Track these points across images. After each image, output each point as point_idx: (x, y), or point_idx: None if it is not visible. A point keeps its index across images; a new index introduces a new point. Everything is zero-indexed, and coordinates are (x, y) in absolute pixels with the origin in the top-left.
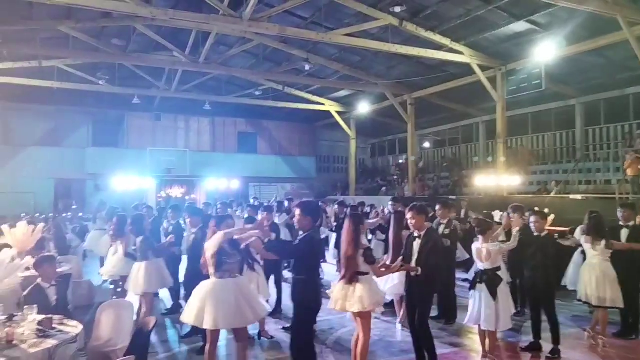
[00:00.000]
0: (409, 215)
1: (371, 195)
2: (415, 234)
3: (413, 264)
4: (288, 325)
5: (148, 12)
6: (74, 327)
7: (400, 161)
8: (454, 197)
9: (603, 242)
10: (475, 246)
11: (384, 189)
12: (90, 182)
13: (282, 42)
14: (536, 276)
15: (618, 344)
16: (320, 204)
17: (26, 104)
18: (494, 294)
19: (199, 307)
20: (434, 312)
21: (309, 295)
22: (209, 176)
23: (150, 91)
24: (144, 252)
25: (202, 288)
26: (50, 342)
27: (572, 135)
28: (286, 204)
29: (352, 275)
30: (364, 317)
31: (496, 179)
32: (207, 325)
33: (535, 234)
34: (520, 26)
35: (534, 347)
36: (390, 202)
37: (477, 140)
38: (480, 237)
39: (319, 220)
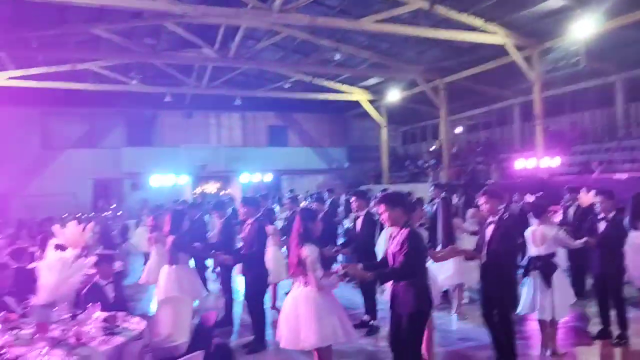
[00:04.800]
0: (481, 200)
1: (406, 184)
2: (490, 220)
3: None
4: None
5: (179, 9)
6: (137, 324)
7: (432, 148)
8: (491, 182)
9: None
10: (529, 229)
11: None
12: (127, 181)
13: (310, 33)
14: (606, 261)
15: None
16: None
17: (62, 107)
18: (548, 281)
19: None
20: None
21: (423, 298)
22: (242, 171)
23: (181, 89)
24: (173, 254)
25: None
26: (118, 339)
27: (614, 113)
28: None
29: None
30: None
31: (535, 162)
32: None
33: (602, 215)
34: (555, 2)
35: (604, 335)
36: (431, 188)
37: (512, 122)
38: (535, 220)
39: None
